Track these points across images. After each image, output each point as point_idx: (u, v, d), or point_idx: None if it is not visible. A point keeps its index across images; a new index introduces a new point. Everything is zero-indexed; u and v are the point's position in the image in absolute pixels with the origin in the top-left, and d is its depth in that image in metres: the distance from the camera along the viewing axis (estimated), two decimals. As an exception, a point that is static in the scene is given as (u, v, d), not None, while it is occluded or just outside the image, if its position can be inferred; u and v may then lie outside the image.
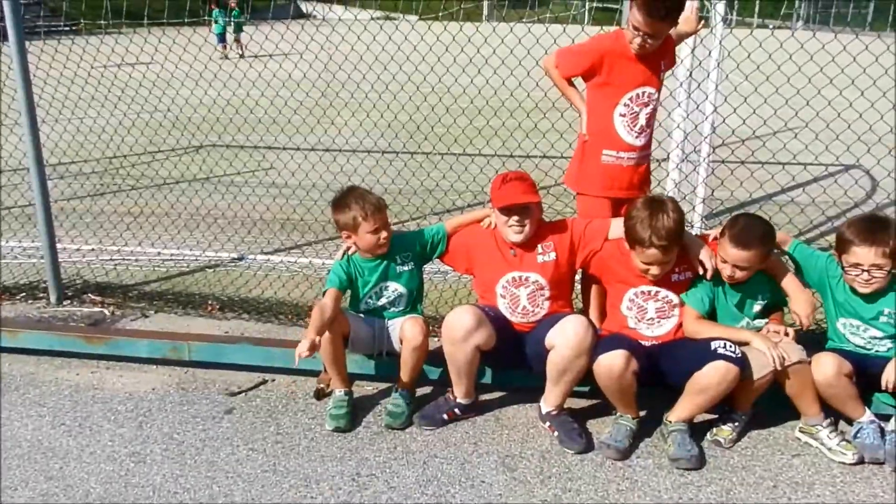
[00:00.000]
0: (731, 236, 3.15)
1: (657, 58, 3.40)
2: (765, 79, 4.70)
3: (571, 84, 3.56)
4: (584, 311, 3.67)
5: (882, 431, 3.14)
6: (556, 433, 3.24)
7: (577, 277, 3.61)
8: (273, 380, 3.77)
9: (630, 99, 3.41)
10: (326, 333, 3.22)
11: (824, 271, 3.31)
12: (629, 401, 3.19)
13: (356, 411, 3.44)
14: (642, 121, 3.44)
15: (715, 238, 3.31)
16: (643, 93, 3.40)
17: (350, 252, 3.49)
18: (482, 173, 5.46)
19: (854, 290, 3.19)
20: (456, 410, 3.40)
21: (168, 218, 6.13)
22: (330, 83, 6.18)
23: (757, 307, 3.34)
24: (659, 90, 3.46)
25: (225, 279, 5.00)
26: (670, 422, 3.16)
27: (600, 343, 3.14)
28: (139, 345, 3.89)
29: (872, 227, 3.11)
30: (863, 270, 3.10)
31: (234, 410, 3.51)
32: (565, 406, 3.31)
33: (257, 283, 4.91)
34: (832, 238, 5.54)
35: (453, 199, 6.39)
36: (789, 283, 3.29)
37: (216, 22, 20.57)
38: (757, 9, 40.62)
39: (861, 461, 3.08)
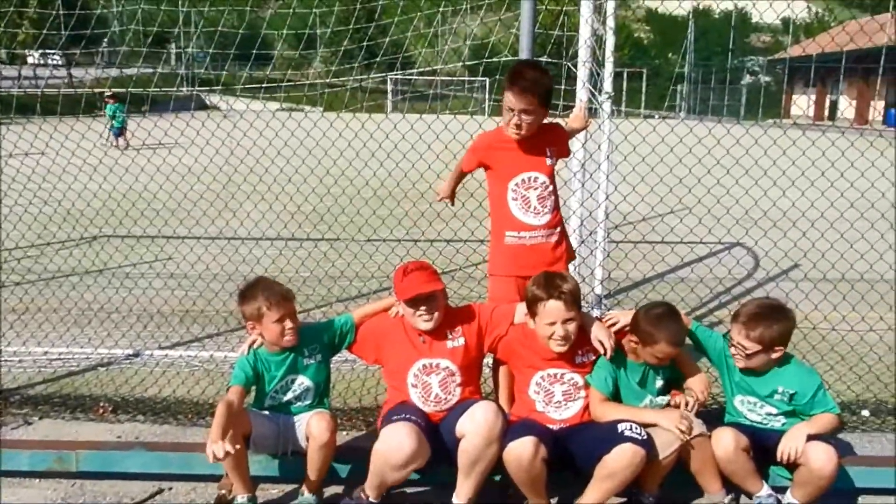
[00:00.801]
0: (669, 339, 3.25)
1: (541, 144, 3.58)
2: (652, 167, 5.03)
3: (463, 176, 3.83)
4: (494, 396, 3.68)
5: (779, 504, 3.25)
6: None
7: (487, 361, 3.64)
8: (170, 488, 3.54)
9: (517, 184, 3.58)
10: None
11: (722, 351, 3.47)
12: (539, 489, 3.17)
13: (261, 517, 3.27)
14: (535, 203, 3.59)
15: (622, 329, 3.43)
16: (529, 178, 3.58)
17: (255, 345, 3.39)
18: (387, 261, 5.50)
19: (750, 369, 3.35)
20: None
21: (56, 314, 5.78)
22: (232, 175, 6.14)
23: (659, 382, 3.44)
24: (550, 175, 3.62)
25: (118, 378, 4.72)
26: None
27: (509, 430, 3.14)
28: (20, 457, 3.57)
29: (753, 311, 3.31)
30: (734, 345, 3.31)
31: (125, 525, 3.27)
32: (477, 501, 3.25)
33: (154, 380, 4.66)
34: (719, 313, 5.90)
35: (359, 287, 6.37)
36: (682, 359, 3.45)
37: (114, 116, 20.01)
38: (643, 102, 43.62)
39: None
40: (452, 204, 4.01)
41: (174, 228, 7.58)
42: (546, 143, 3.60)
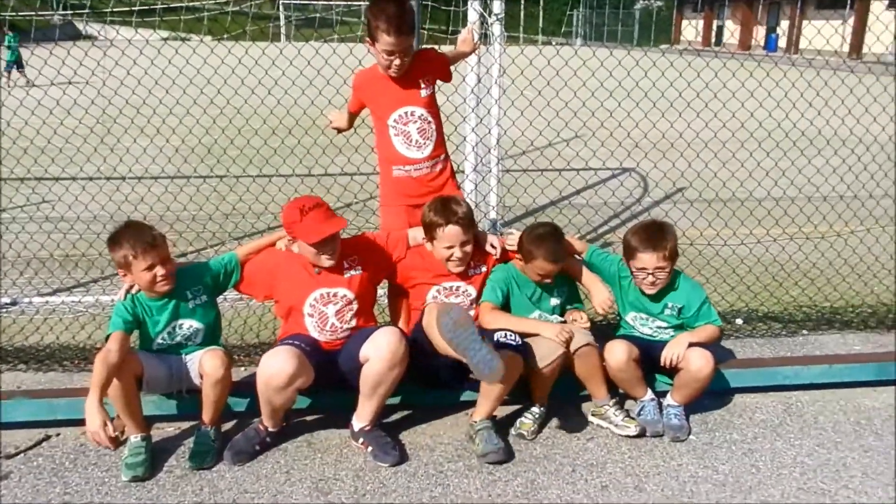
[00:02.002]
0: (546, 256, 3.39)
1: (414, 76, 3.60)
2: (539, 90, 5.07)
3: (353, 115, 3.87)
4: (392, 324, 3.74)
5: (661, 406, 3.50)
6: (369, 448, 3.25)
7: (382, 293, 3.68)
8: (58, 434, 3.43)
9: (395, 120, 3.63)
10: (115, 379, 3.00)
11: (616, 273, 3.64)
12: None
13: (156, 456, 3.22)
14: (416, 136, 3.65)
15: (511, 248, 3.57)
16: (406, 112, 3.62)
17: (133, 291, 3.27)
18: (281, 193, 5.36)
19: (642, 290, 3.53)
20: (267, 439, 3.31)
21: (-81, 265, 5.38)
22: (106, 108, 5.75)
23: (553, 301, 3.59)
24: (426, 105, 3.64)
25: (-3, 327, 4.47)
26: (475, 422, 3.30)
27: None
28: None
29: (652, 234, 3.46)
30: (648, 273, 3.44)
31: (11, 475, 3.14)
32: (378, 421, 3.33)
33: (35, 328, 4.44)
34: (610, 237, 6.15)
35: (252, 223, 6.21)
36: (587, 278, 3.62)
37: (9, 48, 17.99)
38: (541, 28, 43.66)
39: (643, 433, 3.41)
40: (347, 130, 3.96)
41: (46, 168, 7.09)
42: (418, 74, 3.61)
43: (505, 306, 3.52)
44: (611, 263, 3.67)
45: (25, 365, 4.04)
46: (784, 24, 39.77)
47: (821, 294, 4.95)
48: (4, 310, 4.77)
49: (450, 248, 3.39)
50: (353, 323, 3.39)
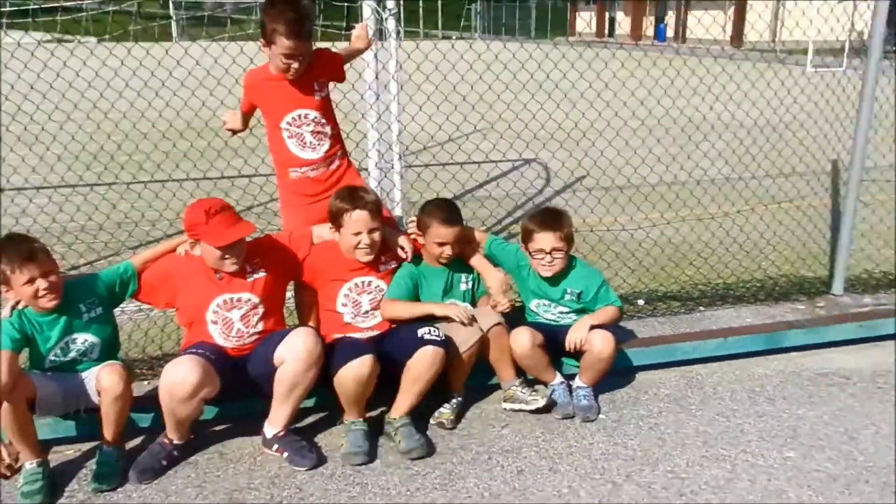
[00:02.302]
0: (440, 219, 3.46)
1: (308, 79, 3.52)
2: (440, 86, 5.10)
3: (247, 115, 3.80)
4: (300, 323, 3.69)
5: (570, 389, 3.60)
6: (285, 454, 3.19)
7: (290, 295, 3.61)
8: (-56, 466, 3.20)
9: (288, 123, 3.56)
10: (5, 403, 2.82)
11: (515, 261, 3.72)
12: (362, 403, 3.29)
13: (55, 482, 3.06)
14: (309, 138, 3.59)
15: (414, 233, 3.59)
16: (299, 115, 3.55)
17: (20, 306, 3.08)
18: (175, 198, 5.17)
19: (541, 274, 3.60)
20: (174, 453, 3.19)
21: None
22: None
23: (463, 286, 3.64)
24: (320, 108, 3.59)
25: None
26: (395, 419, 3.29)
27: (336, 351, 3.19)
28: None
29: (549, 216, 3.60)
30: (545, 254, 3.52)
31: None
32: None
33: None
34: (515, 227, 6.26)
35: (147, 230, 5.96)
36: (478, 262, 3.66)
37: None
38: (440, 22, 43.75)
39: (553, 404, 3.52)
40: (242, 131, 3.87)
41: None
42: (312, 76, 3.54)
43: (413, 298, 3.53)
44: (510, 252, 3.75)
45: None
46: (672, 15, 41.58)
47: (714, 272, 5.21)
48: None
49: (357, 234, 3.33)
50: (260, 327, 3.31)
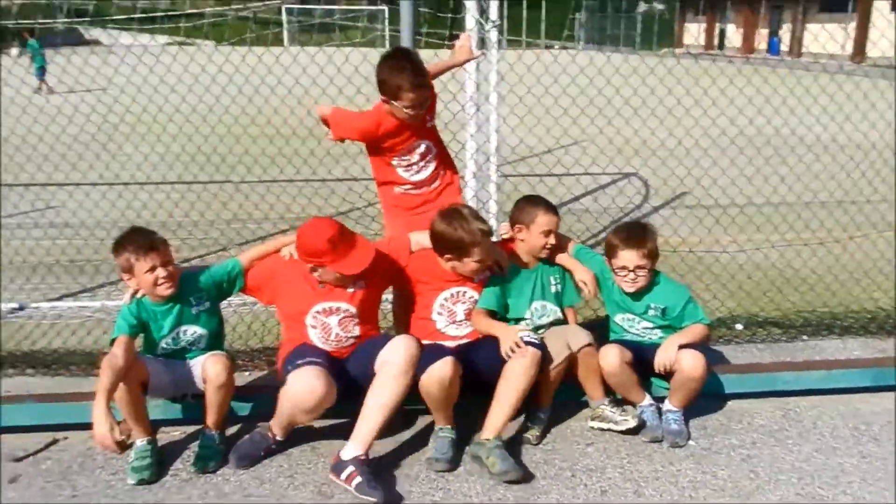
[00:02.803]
0: (545, 208, 3.56)
1: (422, 117, 3.63)
2: (541, 98, 5.11)
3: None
4: (395, 328, 3.82)
5: (660, 412, 3.53)
6: (354, 481, 3.00)
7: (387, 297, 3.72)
8: (66, 438, 3.47)
9: (401, 157, 3.68)
10: (121, 384, 3.04)
11: (601, 273, 3.68)
12: (449, 410, 3.31)
13: (162, 460, 3.27)
14: (418, 161, 3.72)
15: (508, 240, 3.65)
16: (414, 146, 3.67)
17: (138, 295, 3.31)
18: (279, 200, 5.41)
19: (623, 289, 3.57)
20: (273, 447, 3.35)
21: (-74, 270, 5.43)
22: (107, 113, 5.80)
23: (553, 288, 3.66)
24: (430, 136, 3.72)
25: (3, 333, 4.50)
26: (487, 440, 3.20)
27: (423, 354, 3.21)
28: None
29: (633, 232, 3.56)
30: (629, 272, 3.49)
31: (20, 478, 3.19)
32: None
33: (42, 333, 4.49)
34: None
35: (252, 229, 6.26)
36: (567, 260, 3.69)
37: (34, 56, 17.45)
38: (543, 31, 43.54)
39: (643, 425, 3.46)
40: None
41: (49, 175, 7.15)
42: (424, 112, 3.62)
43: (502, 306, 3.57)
44: (597, 262, 3.72)
45: (33, 369, 4.09)
46: (787, 28, 39.83)
47: (820, 300, 4.99)
48: (12, 315, 4.82)
49: (479, 261, 3.37)
50: (357, 332, 3.40)
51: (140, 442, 3.24)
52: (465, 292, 3.52)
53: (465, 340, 3.52)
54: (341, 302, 3.36)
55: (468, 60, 3.95)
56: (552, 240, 3.56)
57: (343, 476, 3.03)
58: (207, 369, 3.22)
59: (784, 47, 39.43)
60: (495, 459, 3.14)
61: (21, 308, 4.91)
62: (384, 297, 3.73)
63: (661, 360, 3.42)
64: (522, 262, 3.64)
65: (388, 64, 3.47)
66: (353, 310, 3.37)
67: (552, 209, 3.58)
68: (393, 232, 3.81)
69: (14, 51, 18.51)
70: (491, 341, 3.40)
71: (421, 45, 5.98)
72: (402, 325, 3.73)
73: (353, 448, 3.09)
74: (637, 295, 3.59)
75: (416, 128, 3.65)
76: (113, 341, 3.15)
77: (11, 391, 3.82)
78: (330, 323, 3.36)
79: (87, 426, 3.35)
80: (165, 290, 3.25)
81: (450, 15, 5.46)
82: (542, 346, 3.27)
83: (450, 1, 5.17)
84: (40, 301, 5.01)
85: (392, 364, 3.11)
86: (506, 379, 3.23)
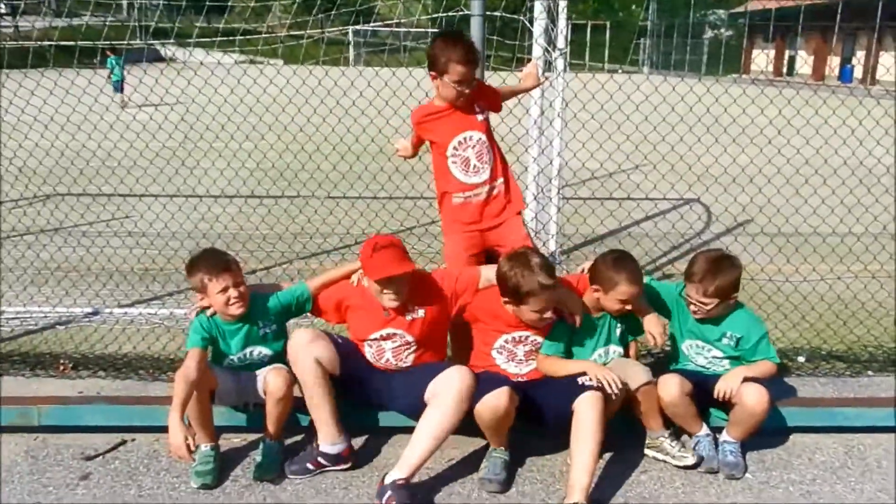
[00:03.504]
0: (629, 279, 3.36)
1: (470, 103, 3.73)
2: (601, 124, 5.15)
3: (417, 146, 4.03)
4: (454, 352, 3.82)
5: (716, 443, 3.48)
6: None
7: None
8: (133, 440, 3.63)
9: (455, 147, 3.75)
10: (194, 393, 3.17)
11: (675, 298, 3.63)
12: (504, 434, 3.32)
13: (224, 466, 3.38)
14: (474, 160, 3.76)
15: (580, 279, 3.56)
16: (465, 138, 3.74)
17: (208, 313, 3.44)
18: (347, 216, 5.57)
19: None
20: (320, 459, 3.35)
21: (12, 274, 5.75)
22: (189, 131, 6.10)
23: (618, 330, 3.59)
24: (484, 130, 3.77)
25: (78, 336, 4.75)
26: None
27: (479, 381, 3.21)
28: (-18, 413, 3.63)
29: (706, 267, 3.43)
30: (691, 301, 3.48)
31: (90, 476, 3.35)
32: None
33: (114, 337, 4.70)
34: (669, 269, 6.12)
35: (319, 243, 6.43)
36: (641, 308, 3.56)
37: (113, 70, 19.00)
38: (607, 56, 43.40)
39: (700, 462, 3.40)
40: (412, 157, 4.11)
41: (130, 186, 7.51)
42: (473, 100, 3.73)
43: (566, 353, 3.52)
44: (668, 289, 3.68)
45: (105, 372, 4.28)
46: (860, 54, 38.69)
47: (887, 335, 4.83)
48: (87, 319, 5.07)
49: (537, 311, 3.27)
50: (409, 361, 3.43)
51: (204, 447, 3.35)
52: (527, 336, 3.46)
53: (525, 379, 3.49)
54: (399, 329, 3.38)
55: (535, 86, 4.02)
56: (628, 307, 3.44)
57: (382, 500, 3.03)
58: (269, 382, 3.32)
59: (857, 73, 38.28)
60: None
61: (96, 312, 5.16)
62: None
63: (722, 387, 3.36)
64: (590, 309, 3.53)
65: (440, 39, 3.61)
66: (410, 338, 3.39)
67: (636, 280, 3.38)
68: (451, 252, 3.86)
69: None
70: (553, 381, 3.37)
71: (489, 67, 6.10)
72: (461, 352, 3.71)
73: (396, 472, 3.08)
74: (715, 320, 3.54)
75: (466, 116, 3.72)
76: (186, 354, 3.29)
77: (84, 392, 4.03)
78: (384, 347, 3.41)
79: (154, 429, 3.56)
80: (237, 309, 3.37)
81: (517, 43, 5.57)
82: (602, 388, 3.21)
83: (518, 28, 5.26)
84: (114, 306, 5.26)
85: (446, 395, 3.11)
86: (580, 430, 3.12)
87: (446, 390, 3.12)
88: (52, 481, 3.31)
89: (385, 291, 3.27)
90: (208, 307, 3.43)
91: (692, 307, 3.50)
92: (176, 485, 3.29)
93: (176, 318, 5.05)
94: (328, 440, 3.34)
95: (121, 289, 5.61)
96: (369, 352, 3.46)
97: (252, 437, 3.61)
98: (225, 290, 3.32)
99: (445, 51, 3.55)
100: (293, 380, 3.38)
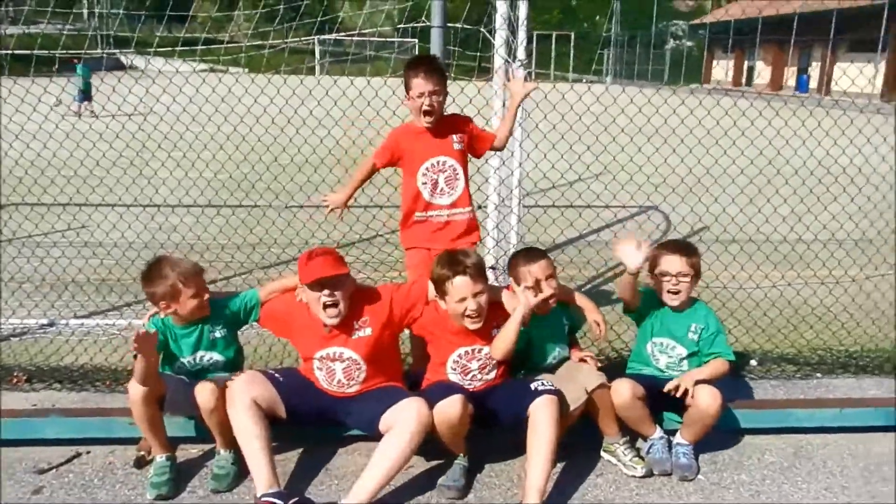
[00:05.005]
0: (525, 259, 3.53)
1: (448, 132, 3.84)
2: (562, 134, 5.23)
3: (371, 174, 3.99)
4: (413, 360, 3.91)
5: (670, 445, 3.55)
6: None
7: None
8: (88, 452, 3.59)
9: (427, 168, 3.83)
10: (140, 397, 3.16)
11: (652, 296, 3.72)
12: (460, 442, 3.35)
13: (180, 476, 3.36)
14: (442, 184, 3.85)
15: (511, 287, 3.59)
16: (438, 161, 3.83)
17: (161, 315, 3.43)
18: (305, 227, 5.56)
19: (675, 308, 3.64)
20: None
21: (-36, 285, 5.64)
22: (147, 140, 6.05)
23: (565, 328, 3.69)
24: (458, 159, 3.85)
25: (33, 348, 4.67)
26: None
27: (432, 391, 3.26)
28: (-69, 428, 3.56)
29: (679, 242, 3.73)
30: (671, 277, 3.57)
31: (43, 489, 3.30)
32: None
33: (70, 349, 4.63)
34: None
35: (277, 254, 6.42)
36: (581, 299, 3.69)
37: (83, 78, 18.41)
38: (571, 66, 43.85)
39: (650, 474, 3.47)
40: (342, 212, 4.09)
41: (87, 196, 7.39)
42: (452, 130, 3.85)
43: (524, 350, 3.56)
44: (643, 292, 3.74)
45: (60, 384, 4.22)
46: (816, 66, 39.75)
47: (835, 338, 4.98)
48: (42, 330, 4.99)
49: (462, 300, 3.26)
50: (361, 379, 3.39)
51: (159, 458, 3.33)
52: (479, 349, 3.45)
53: (480, 391, 3.48)
54: (345, 348, 3.34)
55: (526, 95, 4.03)
56: (550, 289, 3.49)
57: None
58: (196, 395, 3.25)
59: (813, 84, 39.32)
60: None
61: (51, 324, 5.08)
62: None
63: (673, 384, 3.44)
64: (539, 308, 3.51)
65: (408, 63, 3.79)
66: (358, 357, 3.35)
67: (537, 262, 3.50)
68: (410, 263, 3.92)
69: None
70: (507, 386, 3.45)
71: (450, 77, 6.16)
72: (421, 363, 3.70)
73: (351, 498, 3.04)
74: (680, 315, 3.65)
75: (441, 141, 3.82)
76: (136, 356, 3.26)
77: (38, 404, 3.97)
78: (335, 368, 3.38)
79: (110, 441, 3.53)
80: (206, 311, 3.42)
81: (478, 54, 5.64)
82: (559, 392, 3.27)
83: (479, 38, 5.33)
84: (70, 318, 5.19)
85: (403, 426, 3.09)
86: (534, 434, 3.17)
87: (403, 421, 3.10)
88: (3, 496, 3.25)
89: (322, 298, 3.22)
90: (157, 312, 3.42)
91: (668, 292, 3.60)
92: (132, 497, 3.26)
93: (134, 328, 4.98)
94: (264, 487, 3.08)
95: (77, 300, 5.53)
96: (320, 375, 3.41)
97: (207, 446, 3.58)
98: (198, 293, 3.36)
99: (407, 70, 3.75)
100: (222, 390, 3.26)
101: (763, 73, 44.46)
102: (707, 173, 6.32)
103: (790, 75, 41.88)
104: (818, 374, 4.56)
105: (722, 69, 49.29)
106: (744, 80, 46.93)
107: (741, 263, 5.93)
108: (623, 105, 5.31)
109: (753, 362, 4.67)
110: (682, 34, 56.86)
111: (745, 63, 47.65)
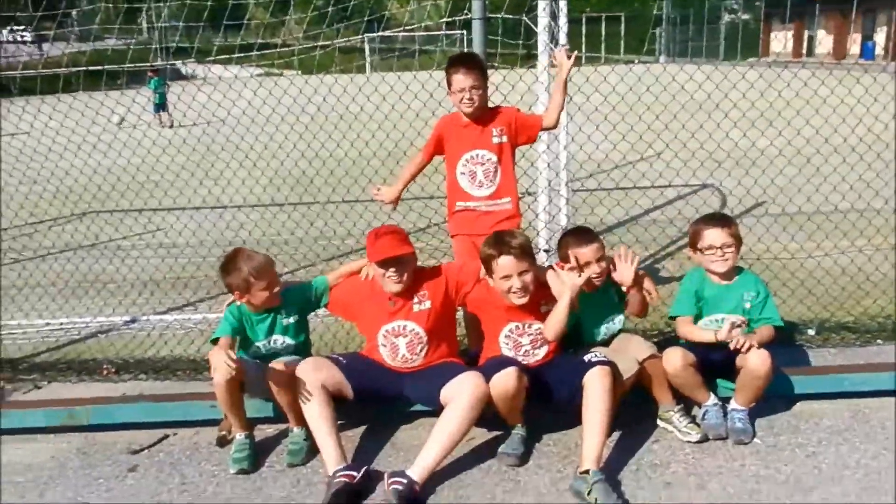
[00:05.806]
0: (574, 240, 3.61)
1: (489, 125, 3.98)
2: (605, 115, 5.32)
3: (422, 168, 4.23)
4: (468, 339, 4.08)
5: (724, 411, 3.63)
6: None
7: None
8: (175, 434, 3.88)
9: (466, 160, 4.00)
10: (222, 381, 3.39)
11: (700, 275, 3.77)
12: (517, 413, 3.51)
13: (258, 453, 3.61)
14: (480, 177, 4.01)
15: (560, 264, 3.70)
16: (476, 154, 3.99)
17: (238, 303, 3.68)
18: (362, 219, 5.80)
19: (723, 280, 3.69)
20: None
21: (54, 287, 6.08)
22: (210, 145, 6.39)
23: (616, 299, 3.77)
24: (498, 153, 3.99)
25: (118, 342, 5.03)
26: (588, 472, 3.15)
27: (488, 365, 3.43)
28: (35, 415, 3.91)
29: (716, 215, 3.78)
30: (716, 249, 3.63)
31: (137, 468, 3.60)
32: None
33: (152, 343, 4.98)
34: (684, 252, 6.24)
35: (338, 245, 6.70)
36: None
37: (156, 91, 19.21)
38: (623, 47, 43.00)
39: (706, 439, 3.56)
40: (395, 208, 4.33)
41: (159, 200, 7.83)
42: (494, 124, 3.98)
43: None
44: (690, 275, 3.81)
45: (145, 374, 4.57)
46: (882, 31, 38.10)
47: (893, 304, 4.93)
48: (126, 326, 5.36)
49: (507, 277, 3.40)
50: (423, 354, 3.59)
51: (240, 436, 3.59)
52: (530, 325, 3.58)
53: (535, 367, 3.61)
54: (408, 321, 3.56)
55: (573, 67, 4.09)
56: (595, 269, 3.57)
57: (390, 480, 3.16)
58: (268, 379, 3.49)
59: (879, 51, 37.71)
60: (597, 494, 3.08)
61: (133, 320, 5.45)
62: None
63: (729, 335, 3.45)
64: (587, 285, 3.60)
65: (448, 61, 3.97)
66: (421, 331, 3.55)
67: (590, 239, 3.61)
68: (457, 250, 4.12)
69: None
70: (561, 360, 3.58)
71: (495, 65, 6.29)
72: (477, 342, 3.91)
73: (414, 471, 3.19)
74: (730, 287, 3.70)
75: (481, 135, 3.97)
76: (215, 340, 3.54)
77: (126, 393, 4.29)
78: (398, 344, 3.59)
79: (194, 423, 3.82)
80: (276, 301, 3.65)
81: (520, 41, 5.77)
82: (611, 362, 3.38)
83: (521, 27, 5.46)
84: (149, 314, 5.55)
85: (460, 399, 3.26)
86: (589, 403, 3.27)
87: (461, 394, 3.27)
88: (102, 474, 3.56)
89: (388, 274, 3.47)
90: (235, 301, 3.67)
91: (717, 255, 3.63)
92: (216, 472, 3.52)
93: (208, 321, 5.31)
94: (333, 464, 3.30)
95: (155, 297, 5.91)
96: (384, 352, 3.62)
97: (283, 426, 3.80)
98: (269, 286, 3.58)
99: (448, 68, 3.92)
100: (291, 371, 3.47)
101: (824, 41, 42.82)
102: (752, 146, 6.29)
103: (854, 42, 40.24)
104: (878, 341, 4.53)
105: (780, 41, 47.61)
106: (804, 51, 45.31)
107: (792, 234, 5.89)
108: (682, 83, 5.34)
109: (811, 332, 4.66)
110: (737, 7, 55.20)
111: (806, 33, 45.98)
